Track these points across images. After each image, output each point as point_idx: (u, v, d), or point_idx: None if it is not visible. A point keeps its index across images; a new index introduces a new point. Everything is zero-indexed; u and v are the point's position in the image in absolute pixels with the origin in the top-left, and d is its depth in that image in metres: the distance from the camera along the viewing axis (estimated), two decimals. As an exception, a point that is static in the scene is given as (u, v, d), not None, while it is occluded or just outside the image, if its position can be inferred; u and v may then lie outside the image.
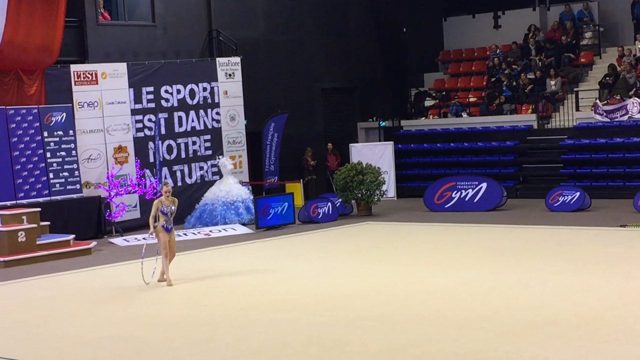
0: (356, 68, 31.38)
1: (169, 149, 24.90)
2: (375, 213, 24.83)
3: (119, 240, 22.02)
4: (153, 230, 15.91)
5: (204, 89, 25.61)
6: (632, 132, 25.94)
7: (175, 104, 25.06)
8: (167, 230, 15.93)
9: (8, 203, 21.30)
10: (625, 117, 26.19)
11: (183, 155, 25.16)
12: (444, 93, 31.41)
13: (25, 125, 22.08)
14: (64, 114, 22.68)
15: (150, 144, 24.37)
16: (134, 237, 22.31)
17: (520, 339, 11.05)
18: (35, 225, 20.16)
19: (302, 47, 29.75)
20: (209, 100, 25.69)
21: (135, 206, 23.91)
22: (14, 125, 21.85)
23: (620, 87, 26.84)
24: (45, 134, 22.34)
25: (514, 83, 29.13)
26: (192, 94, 25.38)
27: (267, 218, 22.96)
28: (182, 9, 26.46)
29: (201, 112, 25.54)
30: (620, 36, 30.83)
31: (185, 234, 22.45)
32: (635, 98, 26.16)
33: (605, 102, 26.71)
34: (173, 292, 15.29)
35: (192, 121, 25.37)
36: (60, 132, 22.58)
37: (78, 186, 22.77)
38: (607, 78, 27.40)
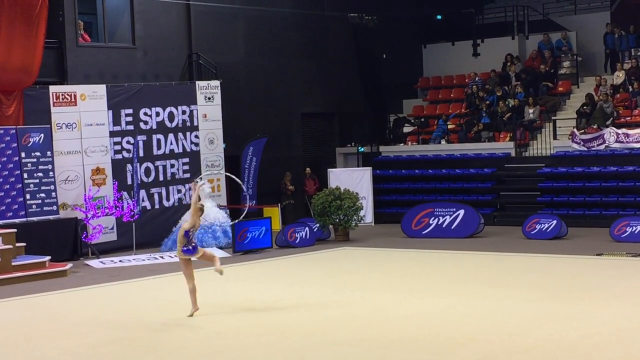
0: (335, 93, 31.46)
1: (147, 172, 24.84)
2: (353, 238, 24.83)
3: (95, 263, 21.91)
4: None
5: (183, 112, 25.60)
6: (609, 162, 26.09)
7: (154, 127, 25.03)
8: (188, 252, 14.75)
9: (-16, 224, 21.20)
10: (602, 147, 26.34)
11: (161, 178, 25.10)
12: (422, 119, 31.50)
13: (3, 145, 21.98)
14: (42, 135, 22.60)
15: (128, 166, 24.31)
16: (110, 260, 22.21)
17: (495, 366, 11.07)
18: (10, 246, 20.04)
19: (282, 72, 29.80)
20: (188, 123, 25.68)
21: (112, 228, 23.81)
22: (-9, 146, 21.81)
23: (598, 116, 27.02)
24: (23, 154, 22.24)
25: (491, 108, 29.32)
26: (171, 116, 25.36)
27: (244, 242, 22.92)
28: (163, 32, 26.48)
29: (180, 135, 25.52)
30: (598, 66, 31.09)
31: (162, 257, 22.38)
32: (613, 128, 26.34)
33: (583, 131, 26.87)
34: (147, 315, 15.22)
35: (171, 144, 25.34)
36: (37, 153, 22.49)
37: (55, 207, 22.66)
38: (585, 107, 27.58)
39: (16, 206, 22.01)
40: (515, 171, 27.99)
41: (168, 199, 25.21)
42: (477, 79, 31.15)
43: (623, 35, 29.91)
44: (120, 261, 22.11)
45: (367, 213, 27.79)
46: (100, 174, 23.82)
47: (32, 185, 22.31)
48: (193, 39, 27.15)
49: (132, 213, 23.20)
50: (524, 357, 11.45)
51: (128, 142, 24.38)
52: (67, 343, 13.32)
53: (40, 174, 22.50)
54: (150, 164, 24.89)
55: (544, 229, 23.50)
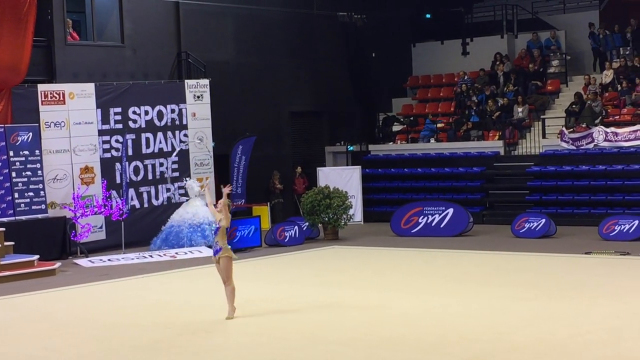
0: (325, 92, 31.43)
1: (136, 170, 24.78)
2: (342, 237, 24.82)
3: (83, 262, 21.85)
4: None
5: (172, 111, 25.54)
6: (598, 160, 26.13)
7: (143, 125, 24.97)
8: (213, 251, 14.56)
9: (-28, 222, 21.11)
10: (591, 145, 26.38)
11: (150, 177, 25.04)
12: (412, 118, 31.51)
13: (-9, 144, 21.94)
14: (31, 133, 22.53)
15: (117, 165, 24.24)
16: (99, 259, 22.15)
17: (485, 365, 11.07)
18: (-1, 245, 20.00)
19: (271, 71, 29.77)
20: (177, 122, 25.63)
21: (101, 227, 23.76)
22: (-21, 144, 21.72)
23: (587, 115, 27.07)
24: (11, 153, 22.17)
25: (480, 107, 29.34)
26: (160, 115, 25.31)
27: (233, 241, 22.85)
28: (152, 31, 26.42)
29: (169, 133, 25.47)
30: (587, 65, 31.13)
31: (151, 256, 22.34)
32: (601, 126, 26.38)
33: (572, 130, 26.91)
34: (135, 314, 15.18)
35: (160, 142, 25.28)
36: (26, 152, 22.43)
37: (43, 206, 22.59)
38: (574, 106, 27.62)
39: (4, 205, 21.95)
40: (504, 170, 28.03)
41: (157, 198, 25.16)
42: (466, 77, 31.19)
43: (608, 35, 29.97)
44: (109, 260, 22.05)
45: (357, 212, 27.78)
46: (89, 172, 23.76)
47: (20, 184, 22.24)
48: (182, 38, 27.12)
49: (121, 212, 23.14)
50: (515, 355, 11.45)
51: (117, 141, 24.32)
52: (56, 342, 13.28)
53: (29, 173, 22.44)
54: (139, 163, 24.82)
55: (532, 228, 23.53)
